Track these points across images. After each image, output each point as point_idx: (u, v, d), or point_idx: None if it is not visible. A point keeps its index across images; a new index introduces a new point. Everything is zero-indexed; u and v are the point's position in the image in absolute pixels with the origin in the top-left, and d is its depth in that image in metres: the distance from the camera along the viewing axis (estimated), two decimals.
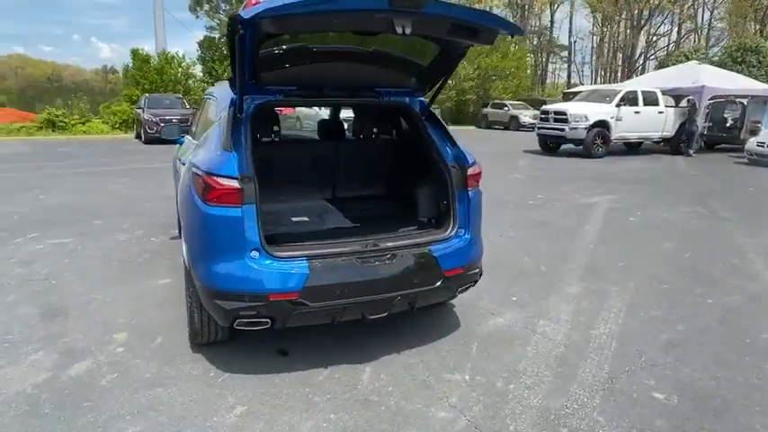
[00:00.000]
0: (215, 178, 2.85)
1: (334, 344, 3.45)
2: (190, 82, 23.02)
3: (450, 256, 3.25)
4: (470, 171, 3.46)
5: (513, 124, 27.43)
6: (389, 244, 3.15)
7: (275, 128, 4.04)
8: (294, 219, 3.71)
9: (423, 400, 2.89)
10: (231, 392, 2.94)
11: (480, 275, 3.56)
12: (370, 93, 3.65)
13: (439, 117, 3.79)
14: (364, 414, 2.77)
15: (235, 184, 2.85)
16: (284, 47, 3.12)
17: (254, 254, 2.86)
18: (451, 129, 3.95)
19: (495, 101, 30.33)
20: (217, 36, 28.36)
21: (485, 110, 29.88)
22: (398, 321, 3.66)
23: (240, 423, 2.68)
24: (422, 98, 3.82)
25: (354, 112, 4.67)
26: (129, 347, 3.38)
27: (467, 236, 3.40)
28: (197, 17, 33.97)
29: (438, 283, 3.18)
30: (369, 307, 3.03)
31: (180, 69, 22.51)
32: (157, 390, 2.94)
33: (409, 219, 3.77)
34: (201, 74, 24.98)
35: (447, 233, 3.35)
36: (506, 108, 28.39)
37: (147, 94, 18.66)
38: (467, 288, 3.49)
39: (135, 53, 21.93)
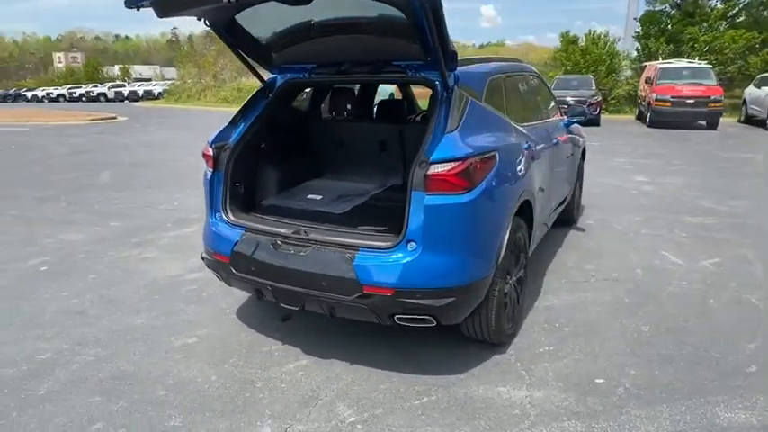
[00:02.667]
0: (206, 145, 3.38)
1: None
2: (614, 61, 21.81)
3: (376, 270, 2.72)
4: (431, 169, 2.65)
5: None
6: (316, 236, 2.91)
7: (344, 105, 4.02)
8: (309, 196, 3.73)
9: None
10: None
11: (444, 314, 2.75)
12: (394, 68, 3.20)
13: (456, 98, 2.91)
14: None
15: (209, 151, 3.30)
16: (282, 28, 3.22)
17: (217, 215, 3.28)
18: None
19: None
20: (660, 8, 25.12)
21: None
22: None
23: None
24: (456, 71, 3.02)
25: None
26: None
27: (415, 253, 2.69)
28: None
29: (352, 296, 2.73)
30: (280, 294, 2.98)
31: (605, 49, 21.60)
32: None
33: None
34: (636, 51, 23.18)
35: (387, 242, 2.76)
36: None
37: (559, 76, 19.01)
38: (409, 320, 2.77)
39: (564, 36, 22.40)
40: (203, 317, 3.69)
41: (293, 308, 2.98)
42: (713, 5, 24.14)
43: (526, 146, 3.50)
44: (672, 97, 15.66)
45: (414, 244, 2.70)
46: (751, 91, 17.61)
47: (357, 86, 4.54)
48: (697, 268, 4.56)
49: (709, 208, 6.66)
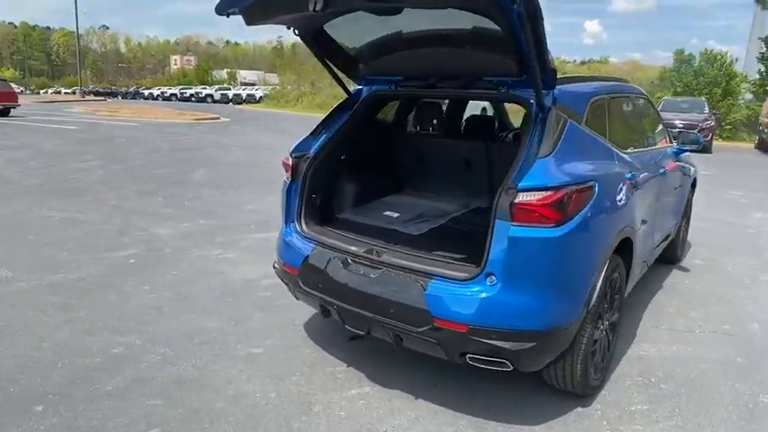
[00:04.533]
0: (287, 154, 3.34)
1: None
2: (732, 83, 19.88)
3: (450, 302, 2.51)
4: (519, 198, 2.39)
5: None
6: (388, 258, 2.76)
7: (430, 119, 3.83)
8: (386, 213, 3.56)
9: None
10: None
11: (521, 360, 2.49)
12: (486, 83, 2.97)
13: (553, 119, 2.62)
14: None
15: (289, 160, 3.26)
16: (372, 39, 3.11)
17: (292, 225, 3.24)
18: None
19: None
20: None
21: None
22: None
23: None
24: (555, 90, 2.73)
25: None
26: None
27: (494, 288, 2.45)
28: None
29: (422, 329, 2.54)
30: (345, 315, 2.85)
31: (722, 69, 19.77)
32: None
33: None
34: (759, 74, 20.96)
35: (465, 273, 2.54)
36: None
37: (667, 97, 17.68)
38: (481, 361, 2.52)
39: (678, 54, 20.81)
40: (272, 326, 3.64)
41: (358, 332, 2.82)
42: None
43: (630, 175, 3.13)
44: None
45: (494, 278, 2.45)
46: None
47: (446, 101, 4.35)
48: None
49: None
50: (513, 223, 2.39)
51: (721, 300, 4.36)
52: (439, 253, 2.87)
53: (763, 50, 22.07)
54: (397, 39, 3.01)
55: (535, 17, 2.22)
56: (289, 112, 31.17)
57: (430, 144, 3.97)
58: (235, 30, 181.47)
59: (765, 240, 6.33)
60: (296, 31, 3.01)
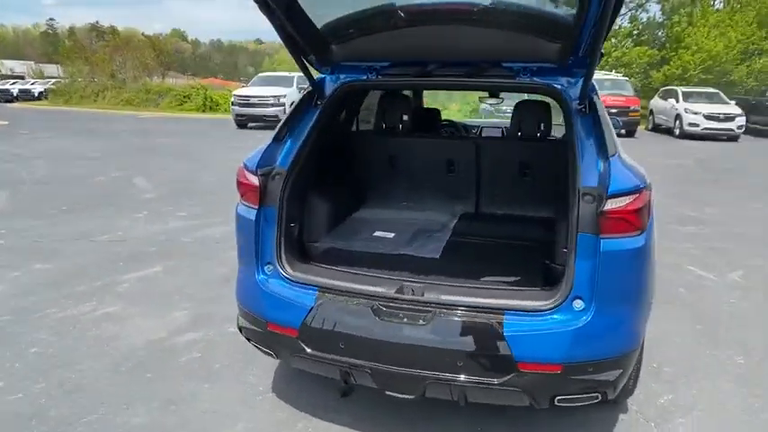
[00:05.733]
0: (244, 171, 2.43)
1: None
2: None
3: (536, 340, 1.98)
4: (610, 205, 1.96)
5: None
6: (436, 296, 2.09)
7: (401, 116, 3.25)
8: (377, 234, 2.90)
9: None
10: None
11: (615, 388, 2.06)
12: (501, 70, 2.47)
13: (601, 110, 2.29)
14: None
15: (252, 179, 2.36)
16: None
17: (269, 268, 2.35)
18: None
19: None
20: None
21: None
22: None
23: None
24: (583, 78, 2.39)
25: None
26: None
27: (586, 314, 1.98)
28: None
29: (504, 378, 1.95)
30: (386, 379, 2.11)
31: None
32: None
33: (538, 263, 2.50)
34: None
35: (545, 301, 2.02)
36: None
37: None
38: (576, 401, 2.06)
39: None
40: (230, 402, 2.70)
41: (406, 396, 2.14)
42: (621, 24, 26.41)
43: None
44: None
45: (581, 302, 2.00)
46: (656, 102, 18.97)
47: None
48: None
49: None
50: (603, 236, 1.96)
51: None
52: (490, 279, 2.32)
53: None
54: (387, 12, 2.32)
55: None
56: (89, 110, 26.44)
57: (401, 145, 3.34)
58: None
59: None
60: None
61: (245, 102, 16.72)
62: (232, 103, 17.15)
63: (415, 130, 3.40)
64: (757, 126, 17.29)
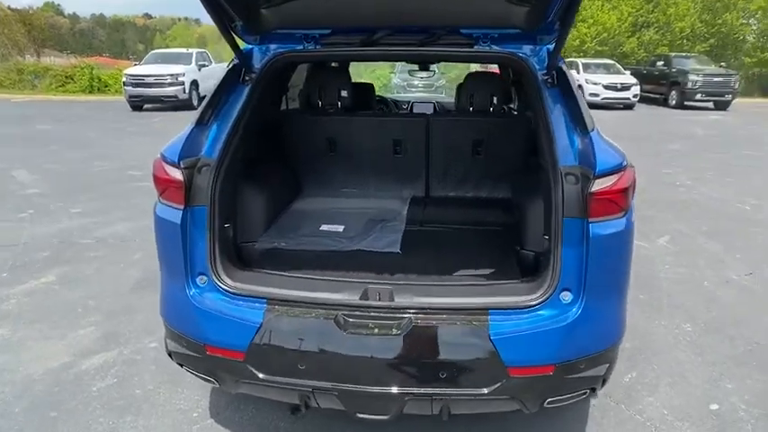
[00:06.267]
0: (162, 164, 1.97)
1: None
2: None
3: (525, 340, 1.75)
4: (598, 185, 1.77)
5: None
6: (409, 299, 1.80)
7: (339, 92, 2.90)
8: (323, 227, 2.57)
9: None
10: None
11: (604, 382, 1.91)
12: (458, 37, 2.19)
13: (572, 80, 2.09)
14: None
15: (174, 173, 1.91)
16: None
17: (202, 280, 1.92)
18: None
19: None
20: None
21: None
22: None
23: None
24: (549, 46, 2.19)
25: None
26: None
27: (576, 307, 1.79)
28: None
29: (493, 387, 1.72)
30: (355, 400, 1.81)
31: None
32: None
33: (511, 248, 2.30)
34: None
35: (530, 296, 1.81)
36: None
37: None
38: (566, 400, 1.89)
39: None
40: None
41: (380, 417, 1.85)
42: None
43: None
44: None
45: (569, 294, 1.82)
46: None
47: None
48: None
49: None
50: (592, 219, 1.78)
51: None
52: (464, 274, 2.06)
53: None
54: None
55: None
56: None
57: (342, 124, 2.96)
58: None
59: None
60: None
61: (140, 81, 15.25)
62: (124, 84, 15.57)
63: (354, 108, 3.06)
64: (649, 94, 18.62)
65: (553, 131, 1.94)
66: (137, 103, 15.46)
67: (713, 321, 3.25)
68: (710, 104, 16.85)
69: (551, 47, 2.12)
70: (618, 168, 1.81)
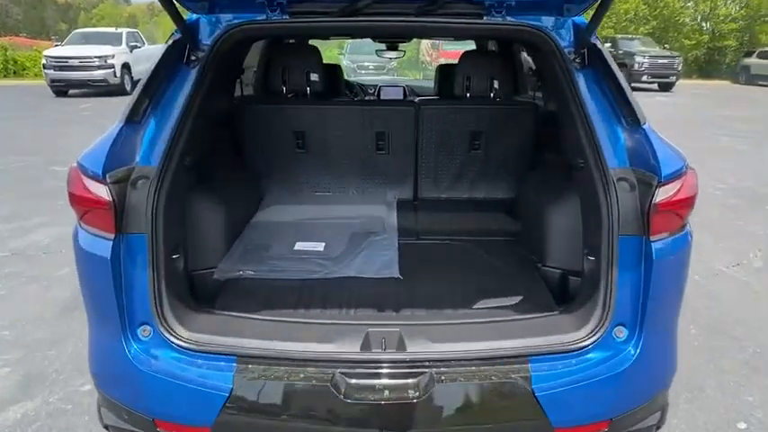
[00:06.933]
0: (80, 177, 1.43)
1: None
2: None
3: (576, 396, 1.38)
4: (663, 194, 1.41)
5: None
6: (426, 347, 1.39)
7: (307, 75, 2.42)
8: (299, 246, 2.10)
9: None
10: None
11: (658, 428, 1.58)
12: (466, 5, 1.76)
13: (611, 61, 1.70)
14: None
15: (98, 190, 1.38)
16: None
17: (145, 332, 1.42)
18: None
19: (765, 49, 23.10)
20: None
21: (746, 60, 23.05)
22: None
23: None
24: (577, 18, 1.80)
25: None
26: None
27: (632, 346, 1.43)
28: None
29: None
30: None
31: None
32: None
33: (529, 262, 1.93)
34: None
35: (578, 332, 1.44)
36: None
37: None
38: None
39: None
40: None
41: None
42: None
43: None
44: None
45: (623, 330, 1.46)
46: None
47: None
48: None
49: None
50: (654, 237, 1.42)
51: None
52: (486, 304, 1.66)
53: None
54: None
55: None
56: None
57: (313, 115, 2.47)
58: None
59: None
60: None
61: (63, 64, 13.87)
62: (44, 66, 14.14)
63: (326, 95, 2.58)
64: None
65: (592, 124, 1.57)
66: (60, 89, 14.11)
67: (716, 323, 3.04)
68: (655, 86, 17.29)
69: (583, 19, 1.74)
70: (681, 172, 1.46)
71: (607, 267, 1.44)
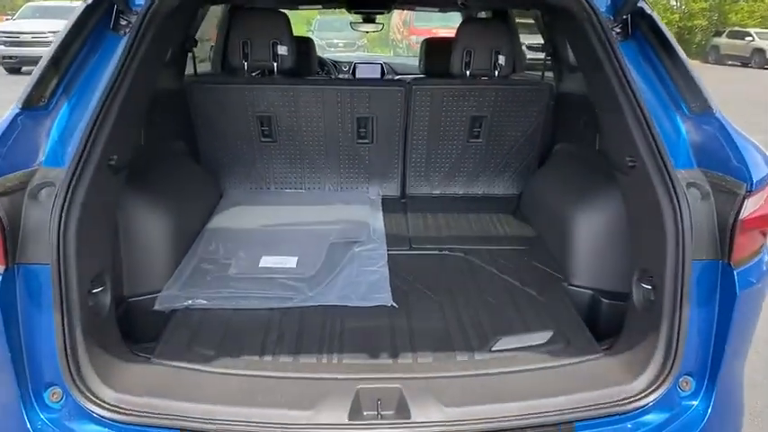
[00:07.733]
0: None
1: None
2: None
3: None
4: (752, 206, 1.08)
5: (758, 59, 20.76)
6: (437, 409, 1.03)
7: (274, 49, 2.02)
8: (264, 262, 1.71)
9: None
10: None
11: None
12: None
13: (663, 29, 1.35)
14: None
15: None
16: None
17: (54, 397, 1.02)
18: None
19: (734, 28, 23.34)
20: None
21: (716, 40, 23.29)
22: None
23: None
24: None
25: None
26: None
27: (697, 399, 1.11)
28: None
29: None
30: None
31: None
32: None
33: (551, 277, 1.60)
34: None
35: (631, 384, 1.10)
36: (749, 38, 21.53)
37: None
38: None
39: None
40: None
41: None
42: None
43: None
44: None
45: (690, 381, 1.14)
46: None
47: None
48: None
49: None
50: (736, 264, 1.09)
51: None
52: (508, 344, 1.31)
53: None
54: None
55: None
56: None
57: (281, 96, 2.06)
58: None
59: None
60: None
61: (15, 40, 12.94)
62: None
63: (296, 73, 2.18)
64: None
65: (646, 112, 1.21)
66: (13, 66, 13.19)
67: None
68: None
69: None
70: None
71: (673, 300, 1.11)
